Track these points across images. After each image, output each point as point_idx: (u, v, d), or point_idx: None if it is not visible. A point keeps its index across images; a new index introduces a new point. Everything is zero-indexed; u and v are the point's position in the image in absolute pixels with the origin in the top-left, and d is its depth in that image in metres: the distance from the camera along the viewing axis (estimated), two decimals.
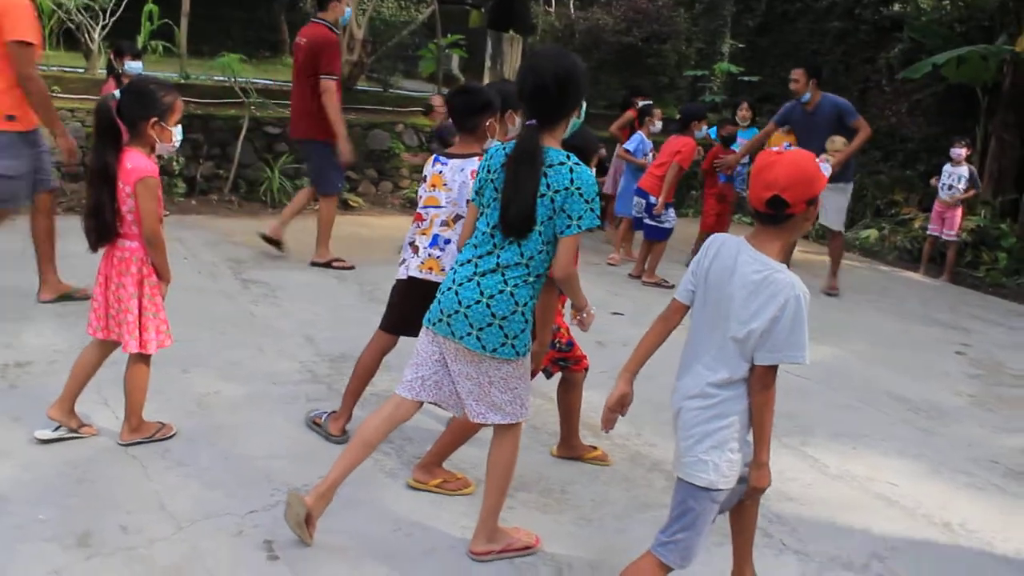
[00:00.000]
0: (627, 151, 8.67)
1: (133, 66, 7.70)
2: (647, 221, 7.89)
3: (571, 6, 14.78)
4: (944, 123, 11.73)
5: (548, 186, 2.90)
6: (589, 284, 6.96)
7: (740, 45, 13.18)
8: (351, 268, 7.07)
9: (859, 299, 8.17)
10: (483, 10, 15.11)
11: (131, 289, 3.66)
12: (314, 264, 7.08)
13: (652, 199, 7.79)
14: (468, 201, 3.32)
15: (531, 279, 3.00)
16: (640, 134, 8.78)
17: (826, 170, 2.68)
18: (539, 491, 3.86)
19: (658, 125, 8.80)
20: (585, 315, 3.26)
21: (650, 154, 8.64)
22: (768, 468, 2.67)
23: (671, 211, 7.87)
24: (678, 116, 8.44)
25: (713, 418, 2.62)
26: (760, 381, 2.60)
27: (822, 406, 5.28)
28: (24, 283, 5.84)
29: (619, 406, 2.87)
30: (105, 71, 7.98)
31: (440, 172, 3.78)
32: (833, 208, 8.17)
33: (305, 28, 6.98)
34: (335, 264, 7.09)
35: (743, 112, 9.77)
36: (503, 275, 2.98)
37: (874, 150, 11.88)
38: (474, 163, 3.71)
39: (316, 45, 6.72)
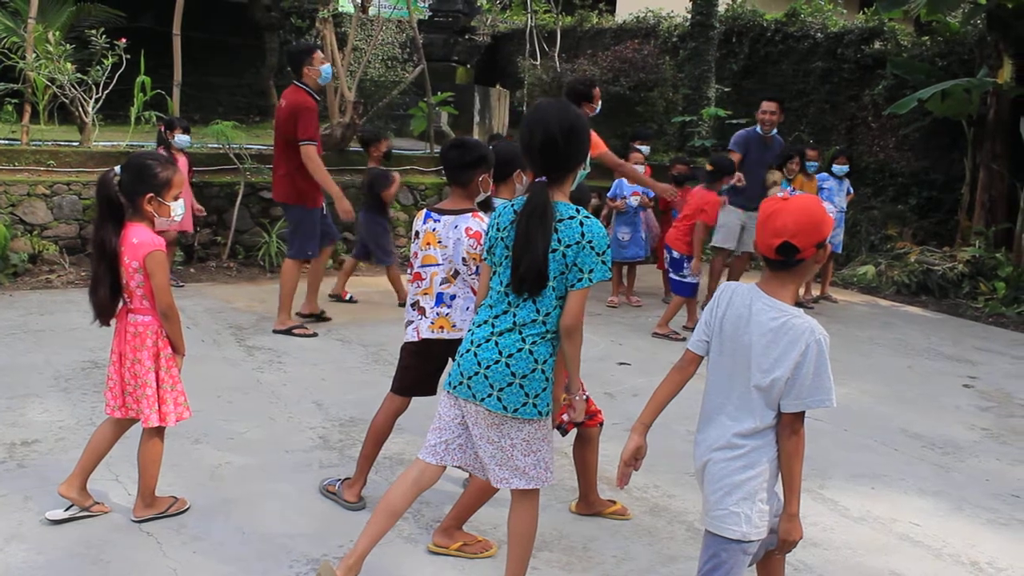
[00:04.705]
0: (610, 198, 8.74)
1: (182, 139, 7.89)
2: (671, 276, 7.87)
3: (557, 58, 14.98)
4: (932, 156, 11.89)
5: (559, 241, 2.89)
6: (594, 335, 7.01)
7: (726, 89, 13.33)
8: (313, 335, 6.83)
9: (862, 336, 8.17)
10: (469, 66, 15.31)
11: (148, 363, 3.64)
12: (275, 332, 6.84)
13: (675, 253, 7.76)
14: (481, 260, 3.30)
15: (549, 335, 2.97)
16: (620, 179, 8.80)
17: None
18: (561, 550, 3.81)
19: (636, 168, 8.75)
20: (578, 398, 3.16)
21: (629, 197, 8.64)
22: (799, 520, 2.64)
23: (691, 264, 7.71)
24: (709, 167, 8.24)
25: (742, 468, 2.60)
26: (788, 428, 2.58)
27: (836, 447, 5.24)
28: (25, 360, 5.81)
29: (633, 459, 2.83)
30: (156, 144, 8.15)
31: (434, 230, 3.77)
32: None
33: (287, 91, 6.89)
34: (296, 332, 6.83)
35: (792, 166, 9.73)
36: (521, 333, 2.95)
37: (864, 186, 12.00)
38: (467, 219, 3.71)
39: (293, 110, 6.62)
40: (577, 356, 3.04)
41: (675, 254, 7.79)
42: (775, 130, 8.55)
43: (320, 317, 7.32)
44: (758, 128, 8.53)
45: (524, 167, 3.93)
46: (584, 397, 3.19)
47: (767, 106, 8.49)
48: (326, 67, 6.87)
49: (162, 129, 8.07)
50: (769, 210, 2.62)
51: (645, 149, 9.19)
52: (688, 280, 7.72)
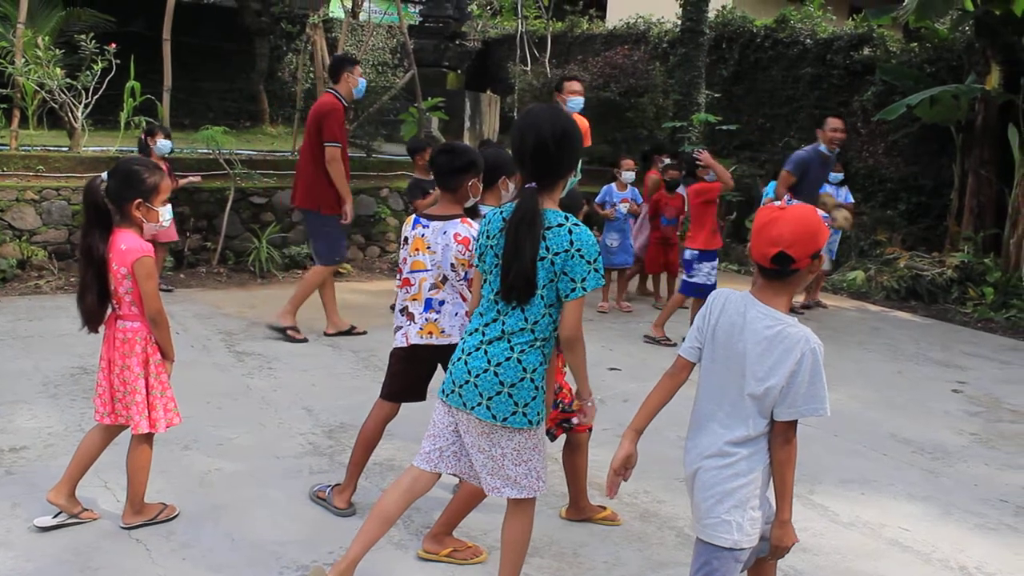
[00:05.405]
0: (597, 204, 8.73)
1: (164, 145, 7.87)
2: (683, 277, 7.70)
3: (547, 64, 15.00)
4: (921, 162, 11.93)
5: (548, 248, 2.88)
6: (584, 340, 6.97)
7: (716, 95, 13.36)
8: (304, 341, 6.82)
9: (851, 341, 8.19)
10: (460, 72, 15.32)
11: (137, 369, 3.62)
12: (270, 327, 6.88)
13: (687, 253, 7.51)
14: (470, 266, 3.30)
15: (537, 344, 2.96)
16: (609, 186, 8.82)
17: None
18: (551, 556, 3.80)
19: (626, 176, 8.71)
20: (590, 404, 3.15)
21: (619, 204, 8.64)
22: (791, 526, 2.64)
23: (704, 265, 7.41)
24: (684, 171, 8.16)
25: (733, 476, 2.60)
26: (781, 436, 2.58)
27: (826, 452, 5.25)
28: (13, 366, 5.78)
29: (623, 468, 2.81)
30: (136, 150, 8.10)
31: (423, 235, 3.77)
32: None
33: (320, 97, 7.05)
34: (290, 332, 6.85)
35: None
36: (509, 342, 2.94)
37: (854, 192, 12.01)
38: (456, 225, 3.70)
39: (320, 113, 6.74)
40: (582, 365, 3.04)
41: (687, 254, 7.50)
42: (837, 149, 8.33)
43: (351, 332, 7.15)
44: (821, 147, 8.21)
45: (510, 173, 3.93)
46: (594, 402, 3.19)
47: (836, 123, 8.13)
48: (363, 80, 7.10)
49: (143, 136, 8.00)
50: (766, 219, 2.61)
51: (667, 161, 9.10)
52: (693, 280, 7.42)
